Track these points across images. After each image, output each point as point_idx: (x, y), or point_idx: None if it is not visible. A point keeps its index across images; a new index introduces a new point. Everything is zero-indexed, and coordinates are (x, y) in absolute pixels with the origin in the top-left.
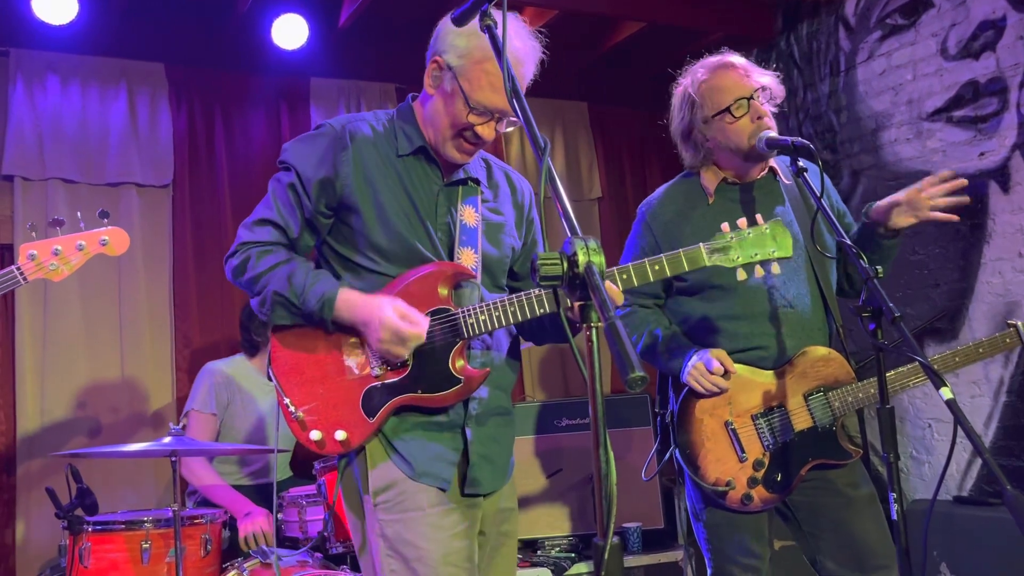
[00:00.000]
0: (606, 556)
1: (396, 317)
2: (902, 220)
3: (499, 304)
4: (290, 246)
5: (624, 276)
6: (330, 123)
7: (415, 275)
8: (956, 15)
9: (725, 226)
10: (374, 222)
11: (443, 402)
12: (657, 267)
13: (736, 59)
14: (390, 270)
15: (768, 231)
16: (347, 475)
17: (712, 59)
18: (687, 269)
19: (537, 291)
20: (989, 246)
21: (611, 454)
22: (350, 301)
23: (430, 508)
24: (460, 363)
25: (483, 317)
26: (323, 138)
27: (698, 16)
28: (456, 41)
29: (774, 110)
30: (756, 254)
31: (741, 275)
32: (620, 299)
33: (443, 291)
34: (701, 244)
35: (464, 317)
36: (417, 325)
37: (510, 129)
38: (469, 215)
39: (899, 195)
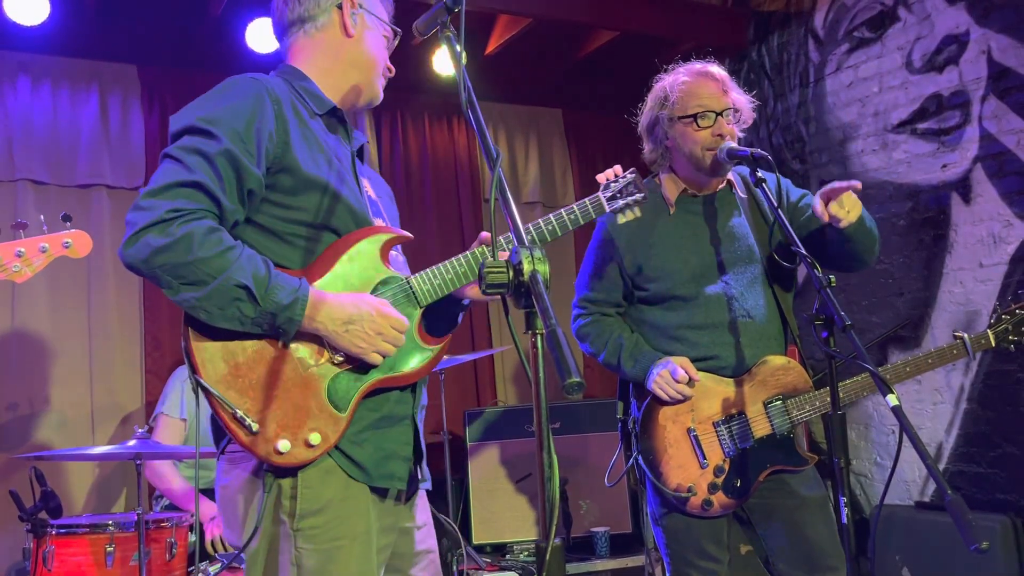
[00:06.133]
0: (548, 558)
1: (385, 309)
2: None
3: (447, 267)
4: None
5: (549, 227)
6: (242, 77)
7: (354, 239)
8: (921, 29)
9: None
10: (307, 183)
11: (413, 378)
12: (572, 217)
13: (719, 72)
14: (327, 236)
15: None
16: (273, 488)
17: (697, 65)
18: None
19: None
20: (951, 256)
21: (555, 458)
22: (324, 297)
23: (362, 536)
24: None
25: (437, 281)
26: (244, 91)
27: (671, 25)
28: None
29: (741, 135)
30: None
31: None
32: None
33: (386, 256)
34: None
35: (415, 286)
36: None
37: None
38: (367, 184)
39: (816, 202)
